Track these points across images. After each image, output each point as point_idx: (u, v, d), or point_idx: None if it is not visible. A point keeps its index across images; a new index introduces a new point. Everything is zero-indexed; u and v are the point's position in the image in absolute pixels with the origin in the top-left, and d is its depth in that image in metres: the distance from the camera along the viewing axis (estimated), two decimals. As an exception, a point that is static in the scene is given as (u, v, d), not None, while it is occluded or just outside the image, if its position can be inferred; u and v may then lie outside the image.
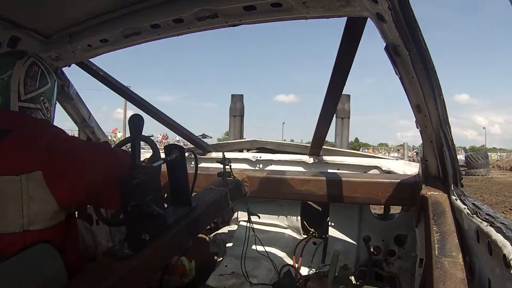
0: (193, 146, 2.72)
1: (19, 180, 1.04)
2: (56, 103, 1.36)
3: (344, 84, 1.69)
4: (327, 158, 2.36)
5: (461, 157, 28.47)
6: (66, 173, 1.10)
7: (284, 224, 2.48)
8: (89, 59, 1.89)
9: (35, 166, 1.06)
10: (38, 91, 1.22)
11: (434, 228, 1.28)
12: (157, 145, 1.50)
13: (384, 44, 1.22)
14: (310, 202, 2.52)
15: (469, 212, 1.19)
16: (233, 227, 2.57)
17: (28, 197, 1.05)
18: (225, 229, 2.60)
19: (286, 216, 2.47)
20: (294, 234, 2.44)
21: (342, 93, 1.85)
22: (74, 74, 2.03)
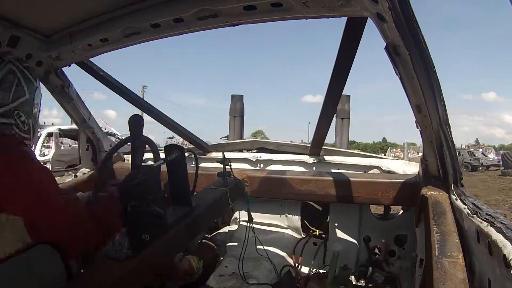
0: (193, 146, 2.73)
1: None
2: (38, 113, 1.26)
3: (344, 84, 1.69)
4: (327, 158, 2.36)
5: (493, 156, 28.04)
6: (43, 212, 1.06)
7: (284, 224, 2.47)
8: (89, 59, 1.89)
9: (19, 212, 1.01)
10: (11, 105, 1.12)
11: (434, 228, 1.28)
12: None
13: (384, 44, 1.22)
14: (310, 202, 2.51)
15: (469, 212, 1.19)
16: (233, 227, 2.57)
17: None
18: (225, 229, 2.60)
19: (286, 216, 2.46)
20: (294, 234, 2.44)
21: (342, 93, 1.85)
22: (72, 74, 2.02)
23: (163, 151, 1.48)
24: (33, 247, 1.04)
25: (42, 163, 1.19)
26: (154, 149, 1.35)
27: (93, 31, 1.57)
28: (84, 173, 2.47)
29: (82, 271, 1.25)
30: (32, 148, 1.28)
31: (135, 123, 1.20)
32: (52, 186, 1.12)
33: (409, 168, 2.15)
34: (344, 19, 1.31)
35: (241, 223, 2.48)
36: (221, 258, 2.26)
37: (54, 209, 1.07)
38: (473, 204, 1.23)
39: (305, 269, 2.27)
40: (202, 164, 2.26)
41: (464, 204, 1.29)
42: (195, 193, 1.70)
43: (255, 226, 2.07)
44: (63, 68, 1.95)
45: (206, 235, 2.45)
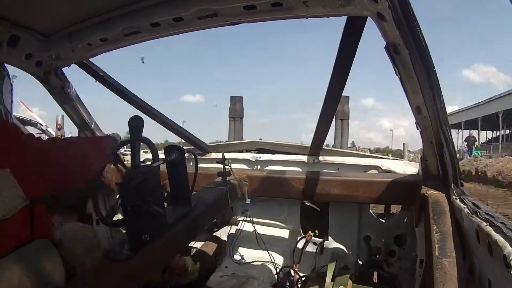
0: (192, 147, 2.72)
1: None
2: (11, 101, 1.36)
3: (345, 84, 1.69)
4: (327, 158, 2.36)
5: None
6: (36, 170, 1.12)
7: (284, 224, 2.47)
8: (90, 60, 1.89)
9: (3, 163, 1.08)
10: None
11: (434, 228, 1.28)
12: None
13: (384, 43, 1.23)
14: (310, 202, 2.51)
15: (469, 211, 1.18)
16: (233, 227, 2.56)
17: None
18: (225, 229, 2.60)
19: (286, 216, 2.46)
20: (294, 234, 2.43)
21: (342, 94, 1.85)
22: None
23: (163, 151, 1.48)
24: (32, 242, 1.04)
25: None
26: (154, 149, 1.35)
27: (93, 30, 1.57)
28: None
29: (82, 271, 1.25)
30: None
31: (135, 124, 1.20)
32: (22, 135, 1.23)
33: (409, 168, 2.15)
34: (344, 18, 1.31)
35: (241, 223, 2.47)
36: (221, 258, 2.25)
37: (31, 151, 1.17)
38: (473, 203, 1.23)
39: (304, 269, 2.27)
40: (202, 165, 2.26)
41: (464, 203, 1.29)
42: (194, 192, 1.70)
43: (255, 226, 2.07)
44: (63, 69, 1.95)
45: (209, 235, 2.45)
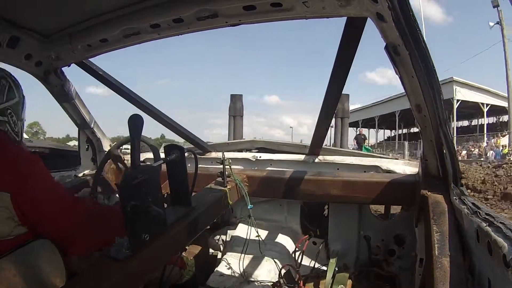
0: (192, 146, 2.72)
1: None
2: (24, 120, 1.35)
3: (344, 84, 1.69)
4: (327, 158, 2.36)
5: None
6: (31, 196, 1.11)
7: (284, 224, 2.47)
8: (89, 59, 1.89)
9: (5, 188, 1.07)
10: (5, 104, 1.22)
11: (434, 227, 1.28)
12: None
13: (384, 44, 1.22)
14: (310, 202, 2.51)
15: (469, 211, 1.19)
16: (233, 227, 2.57)
17: None
18: (225, 229, 2.60)
19: (286, 216, 2.46)
20: (294, 234, 2.44)
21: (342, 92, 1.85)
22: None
23: (163, 151, 1.48)
24: (32, 242, 1.04)
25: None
26: (154, 149, 1.35)
27: (92, 31, 1.57)
28: (84, 173, 2.47)
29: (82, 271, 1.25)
30: None
31: (135, 123, 1.19)
32: (40, 171, 1.18)
33: (409, 168, 2.15)
34: (344, 18, 1.31)
35: (241, 223, 2.48)
36: (221, 258, 2.26)
37: (40, 187, 1.13)
38: (473, 203, 1.23)
39: (304, 269, 2.27)
40: (202, 164, 2.26)
41: (464, 203, 1.29)
42: (194, 193, 1.70)
43: (255, 226, 2.07)
44: (63, 68, 1.95)
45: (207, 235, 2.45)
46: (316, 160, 2.35)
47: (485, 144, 21.48)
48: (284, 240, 2.37)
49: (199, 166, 1.61)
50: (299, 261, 2.28)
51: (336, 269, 2.08)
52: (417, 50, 1.15)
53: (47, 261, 1.07)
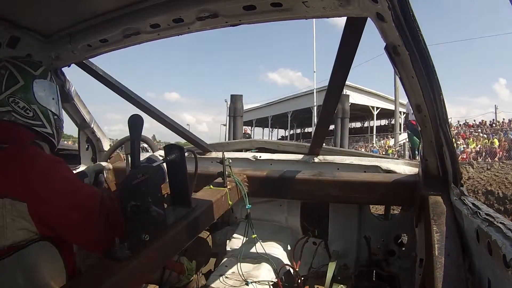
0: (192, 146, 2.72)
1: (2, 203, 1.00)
2: (57, 102, 1.29)
3: (344, 84, 1.70)
4: (327, 158, 2.36)
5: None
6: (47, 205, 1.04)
7: (284, 224, 2.47)
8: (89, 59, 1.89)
9: (22, 196, 1.01)
10: (4, 94, 1.16)
11: (434, 228, 1.28)
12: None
13: (384, 44, 1.23)
14: (310, 202, 2.51)
15: (469, 212, 1.19)
16: (233, 227, 2.56)
17: (7, 222, 1.01)
18: (225, 229, 2.60)
19: (286, 216, 2.46)
20: (294, 234, 2.44)
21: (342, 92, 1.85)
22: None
23: (163, 151, 1.48)
24: (33, 243, 1.03)
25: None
26: (154, 149, 1.34)
27: (92, 31, 1.57)
28: (84, 173, 2.47)
29: (82, 271, 1.25)
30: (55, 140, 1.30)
31: (135, 123, 1.19)
32: (60, 175, 1.11)
33: (409, 168, 2.15)
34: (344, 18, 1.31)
35: (241, 223, 2.47)
36: (221, 258, 2.26)
37: (57, 194, 1.05)
38: (473, 204, 1.23)
39: (304, 269, 2.27)
40: (202, 164, 2.26)
41: (464, 204, 1.29)
42: (194, 193, 1.70)
43: (254, 226, 2.07)
44: (63, 68, 1.95)
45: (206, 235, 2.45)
46: (316, 160, 2.35)
47: (372, 144, 22.86)
48: (284, 240, 2.37)
49: (199, 166, 1.61)
50: (299, 261, 2.28)
51: (336, 269, 2.08)
52: (417, 50, 1.15)
53: (47, 261, 1.07)
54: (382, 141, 22.88)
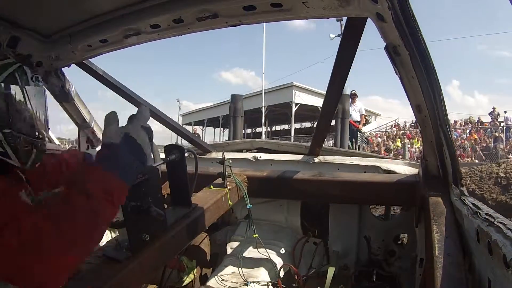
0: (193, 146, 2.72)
1: None
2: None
3: (344, 84, 1.70)
4: (327, 158, 2.36)
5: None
6: None
7: (284, 224, 2.47)
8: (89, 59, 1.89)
9: None
10: None
11: (434, 228, 1.28)
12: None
13: (384, 44, 1.23)
14: (310, 202, 2.51)
15: (469, 212, 1.19)
16: (233, 227, 2.56)
17: None
18: (225, 229, 2.60)
19: (286, 216, 2.46)
20: (294, 234, 2.43)
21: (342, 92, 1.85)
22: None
23: (163, 151, 1.48)
24: None
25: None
26: (154, 149, 1.34)
27: (92, 31, 1.57)
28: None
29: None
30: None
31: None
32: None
33: (409, 168, 2.15)
34: (344, 19, 1.31)
35: (241, 223, 2.47)
36: (221, 258, 2.26)
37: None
38: (473, 204, 1.23)
39: (304, 269, 2.27)
40: (202, 164, 2.26)
41: (464, 204, 1.29)
42: (194, 193, 1.70)
43: (255, 226, 2.07)
44: (63, 69, 1.95)
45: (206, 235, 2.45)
46: (316, 160, 2.35)
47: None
48: (284, 240, 2.36)
49: (199, 166, 1.61)
50: (299, 261, 2.28)
51: (336, 269, 2.08)
52: (417, 50, 1.15)
53: None
54: (331, 141, 23.23)
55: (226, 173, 1.90)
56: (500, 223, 0.96)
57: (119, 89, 2.11)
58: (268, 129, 28.20)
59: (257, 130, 33.71)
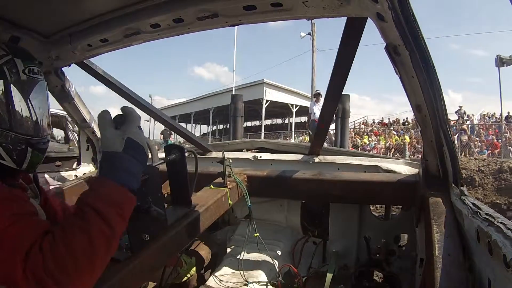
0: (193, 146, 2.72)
1: None
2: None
3: (344, 84, 1.69)
4: (327, 158, 2.36)
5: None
6: None
7: (284, 224, 2.47)
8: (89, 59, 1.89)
9: None
10: None
11: (434, 228, 1.28)
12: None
13: (384, 44, 1.23)
14: (310, 202, 2.51)
15: (469, 212, 1.19)
16: (233, 227, 2.57)
17: None
18: (225, 229, 2.60)
19: (286, 216, 2.46)
20: (294, 234, 2.44)
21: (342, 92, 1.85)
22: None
23: (163, 151, 1.48)
24: None
25: None
26: (153, 150, 1.34)
27: (92, 31, 1.57)
28: (85, 173, 2.47)
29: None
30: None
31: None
32: None
33: (409, 168, 2.15)
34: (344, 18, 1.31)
35: (241, 223, 2.47)
36: (221, 258, 2.26)
37: None
38: (473, 204, 1.23)
39: (304, 269, 2.27)
40: (202, 164, 2.26)
41: (464, 203, 1.29)
42: (195, 193, 1.70)
43: (255, 225, 2.07)
44: (63, 68, 1.95)
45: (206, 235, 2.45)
46: (316, 160, 2.35)
47: (292, 140, 23.59)
48: (284, 240, 2.37)
49: (199, 166, 1.61)
50: (299, 261, 2.28)
51: (336, 269, 2.08)
52: (417, 50, 1.15)
53: None
54: (301, 137, 23.45)
55: (226, 172, 1.91)
56: (500, 223, 0.96)
57: (119, 88, 2.11)
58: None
59: (228, 126, 34.42)
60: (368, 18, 1.19)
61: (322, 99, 10.61)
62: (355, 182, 1.98)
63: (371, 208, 2.36)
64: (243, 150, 2.86)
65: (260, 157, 2.49)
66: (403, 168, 2.15)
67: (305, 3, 1.17)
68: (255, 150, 2.80)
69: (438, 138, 1.48)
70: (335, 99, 1.90)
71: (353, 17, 1.26)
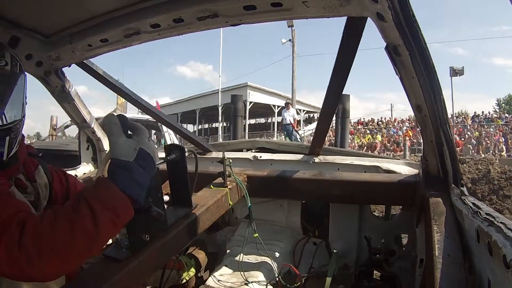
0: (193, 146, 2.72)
1: None
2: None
3: (345, 84, 1.69)
4: (327, 158, 2.36)
5: None
6: None
7: (285, 224, 2.47)
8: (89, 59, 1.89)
9: None
10: None
11: (435, 228, 1.28)
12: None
13: (385, 44, 1.23)
14: (310, 202, 2.51)
15: (469, 212, 1.19)
16: (233, 227, 2.56)
17: None
18: (225, 229, 2.60)
19: (286, 216, 2.46)
20: (294, 234, 2.44)
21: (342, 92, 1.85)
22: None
23: (163, 150, 1.48)
24: None
25: None
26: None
27: (93, 31, 1.57)
28: (85, 173, 2.47)
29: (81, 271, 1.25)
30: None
31: None
32: None
33: (409, 168, 2.15)
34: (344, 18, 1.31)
35: (241, 223, 2.47)
36: (221, 258, 2.26)
37: None
38: (473, 204, 1.23)
39: (305, 269, 2.27)
40: (202, 164, 2.26)
41: (464, 204, 1.29)
42: (195, 193, 1.70)
43: (255, 226, 2.07)
44: (63, 68, 1.95)
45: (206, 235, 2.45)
46: (317, 160, 2.35)
47: (274, 138, 24.83)
48: (284, 240, 2.37)
49: (199, 166, 1.61)
50: (299, 261, 2.28)
51: (336, 269, 2.08)
52: (418, 50, 1.15)
53: None
54: (282, 136, 24.52)
55: (227, 172, 1.90)
56: (500, 223, 0.96)
57: (119, 89, 2.11)
58: (224, 124, 29.83)
59: (214, 125, 35.89)
60: (368, 18, 1.19)
61: (292, 108, 13.34)
62: (355, 182, 1.98)
63: (372, 208, 2.35)
64: (243, 150, 2.86)
65: (260, 157, 2.49)
66: (403, 169, 2.14)
67: (305, 3, 1.17)
68: (256, 150, 2.80)
69: (438, 138, 1.48)
70: (335, 99, 1.90)
71: (353, 17, 1.26)
